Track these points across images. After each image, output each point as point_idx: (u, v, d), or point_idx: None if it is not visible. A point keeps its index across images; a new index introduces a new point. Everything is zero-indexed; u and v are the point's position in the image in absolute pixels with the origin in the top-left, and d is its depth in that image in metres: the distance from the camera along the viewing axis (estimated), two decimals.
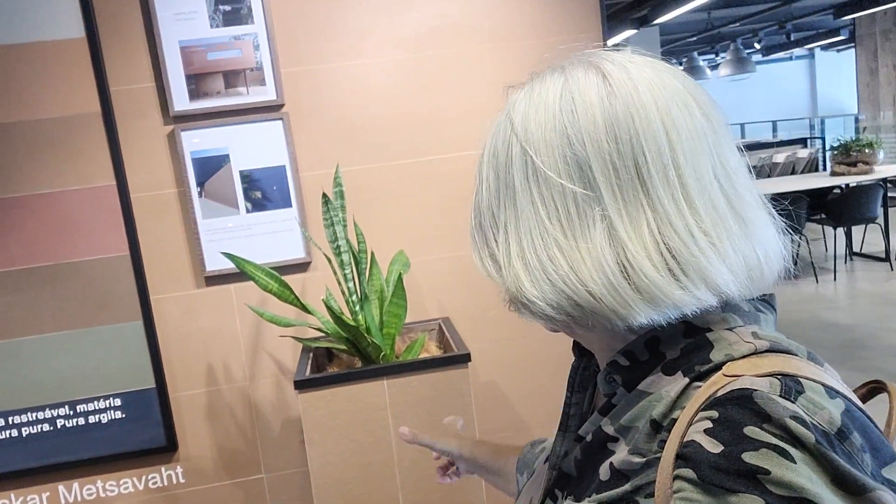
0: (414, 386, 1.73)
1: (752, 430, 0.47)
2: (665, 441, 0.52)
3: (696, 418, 0.50)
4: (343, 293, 1.87)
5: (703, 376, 0.54)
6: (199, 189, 2.16)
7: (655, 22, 6.77)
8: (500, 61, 2.20)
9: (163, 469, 2.26)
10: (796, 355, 0.55)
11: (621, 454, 0.56)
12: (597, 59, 0.60)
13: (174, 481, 2.26)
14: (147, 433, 2.21)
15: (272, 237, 2.20)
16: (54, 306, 2.13)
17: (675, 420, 0.53)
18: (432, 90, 2.20)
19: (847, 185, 6.39)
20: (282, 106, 2.17)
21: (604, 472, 0.57)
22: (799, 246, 6.29)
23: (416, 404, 1.73)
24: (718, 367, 0.54)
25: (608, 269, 0.54)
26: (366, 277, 1.89)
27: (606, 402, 0.61)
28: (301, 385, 1.71)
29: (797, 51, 14.49)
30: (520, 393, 2.35)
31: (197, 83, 2.12)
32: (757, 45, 11.68)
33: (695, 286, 0.54)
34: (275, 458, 2.30)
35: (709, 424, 0.49)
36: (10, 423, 2.15)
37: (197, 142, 2.15)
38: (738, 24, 9.34)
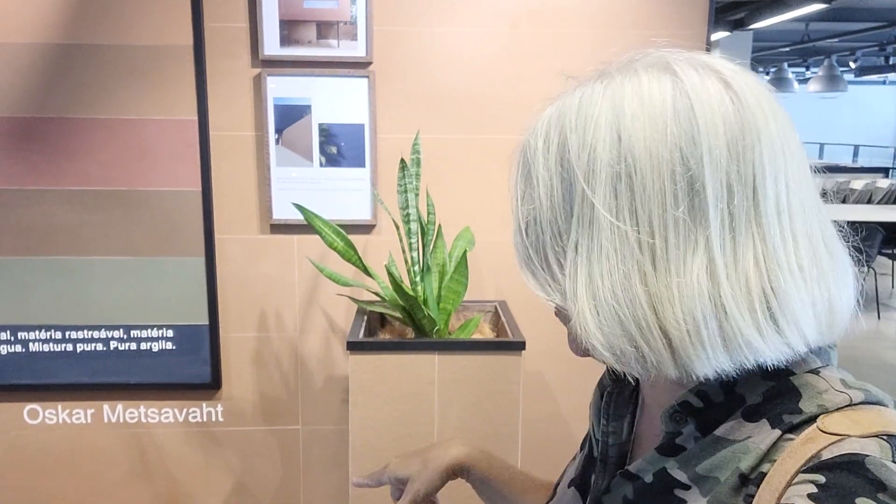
0: (464, 365, 1.70)
1: (864, 502, 0.42)
2: (752, 496, 0.48)
3: (796, 479, 0.46)
4: (406, 262, 1.85)
5: (795, 428, 0.49)
6: (276, 136, 2.16)
7: (751, 27, 6.53)
8: (596, 49, 2.13)
9: (204, 405, 2.29)
10: (887, 406, 0.50)
11: None
12: (703, 60, 0.52)
13: (213, 419, 2.30)
14: (193, 368, 2.25)
15: (341, 194, 2.19)
16: (123, 231, 2.17)
17: (763, 474, 0.48)
18: (522, 69, 2.15)
19: None
20: (369, 64, 2.14)
21: None
22: (864, 279, 6.06)
23: (464, 383, 1.71)
24: (812, 419, 0.49)
25: (701, 309, 0.47)
26: (430, 249, 1.87)
27: (668, 441, 0.55)
28: (353, 346, 1.70)
29: (892, 75, 13.87)
30: (564, 387, 2.31)
31: (289, 29, 2.11)
32: (852, 65, 11.20)
33: (791, 333, 0.48)
34: (313, 411, 2.32)
35: (813, 489, 0.44)
36: (67, 337, 2.20)
37: (281, 88, 2.14)
38: (836, 40, 8.96)
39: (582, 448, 0.74)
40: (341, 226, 2.11)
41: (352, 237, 2.18)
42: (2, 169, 2.11)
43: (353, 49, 2.13)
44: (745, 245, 0.48)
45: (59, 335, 2.20)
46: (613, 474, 0.60)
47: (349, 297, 2.10)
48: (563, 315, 0.57)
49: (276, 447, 2.34)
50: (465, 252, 1.82)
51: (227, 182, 2.18)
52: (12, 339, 2.19)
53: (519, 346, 1.71)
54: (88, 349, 2.22)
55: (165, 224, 2.17)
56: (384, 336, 1.94)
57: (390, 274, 1.73)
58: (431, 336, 1.81)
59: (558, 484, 0.77)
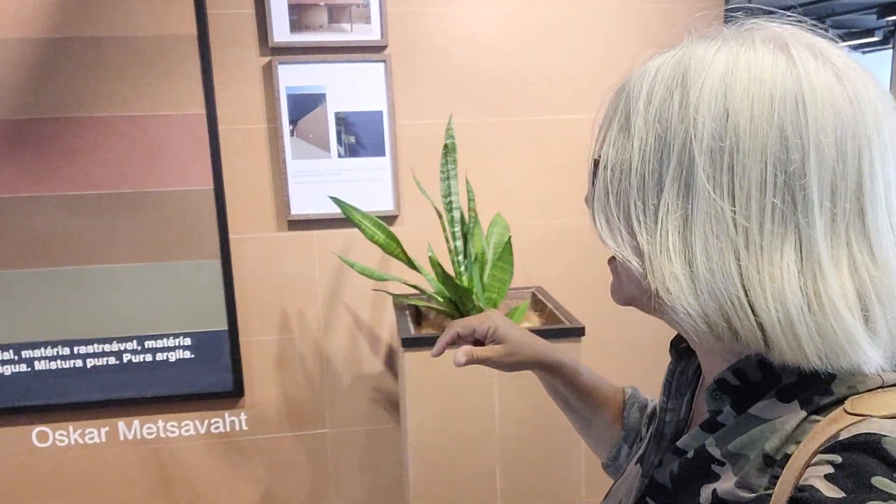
0: None
1: (880, 481, 0.41)
2: (776, 477, 0.48)
3: (814, 460, 0.46)
4: (450, 251, 1.77)
5: (822, 409, 0.49)
6: (291, 127, 2.05)
7: None
8: (619, 24, 2.08)
9: (226, 414, 2.18)
10: None
11: (727, 483, 0.51)
12: (821, 47, 0.50)
13: (237, 428, 2.19)
14: (214, 376, 2.13)
15: (362, 185, 2.10)
16: (131, 236, 2.03)
17: (788, 455, 0.48)
18: (544, 47, 2.08)
19: None
20: (385, 48, 2.04)
21: (705, 496, 0.53)
22: None
23: (525, 375, 1.64)
24: (840, 400, 0.48)
25: (792, 300, 0.46)
26: (471, 237, 1.79)
27: (711, 418, 0.55)
28: (408, 343, 1.62)
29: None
30: (621, 372, 2.27)
31: (299, 14, 2.00)
32: None
33: (881, 343, 0.48)
34: (341, 413, 2.23)
35: (830, 470, 0.44)
36: (76, 352, 2.06)
37: (293, 77, 2.03)
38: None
39: (650, 425, 0.74)
40: None
41: None
42: None
43: (367, 32, 2.03)
44: (845, 247, 0.47)
45: (66, 351, 2.06)
46: (667, 450, 0.61)
47: (389, 293, 2.01)
48: (618, 264, 0.57)
49: (304, 453, 2.24)
50: (509, 239, 1.76)
51: (239, 178, 2.06)
52: (16, 358, 2.04)
53: (578, 333, 1.66)
54: (100, 364, 2.08)
55: (176, 226, 2.04)
56: (426, 330, 1.86)
57: (438, 265, 1.65)
58: None
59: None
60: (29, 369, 2.05)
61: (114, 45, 1.94)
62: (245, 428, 2.19)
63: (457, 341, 0.90)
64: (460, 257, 1.77)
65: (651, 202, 0.51)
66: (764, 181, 0.46)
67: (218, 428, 2.18)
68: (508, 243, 1.74)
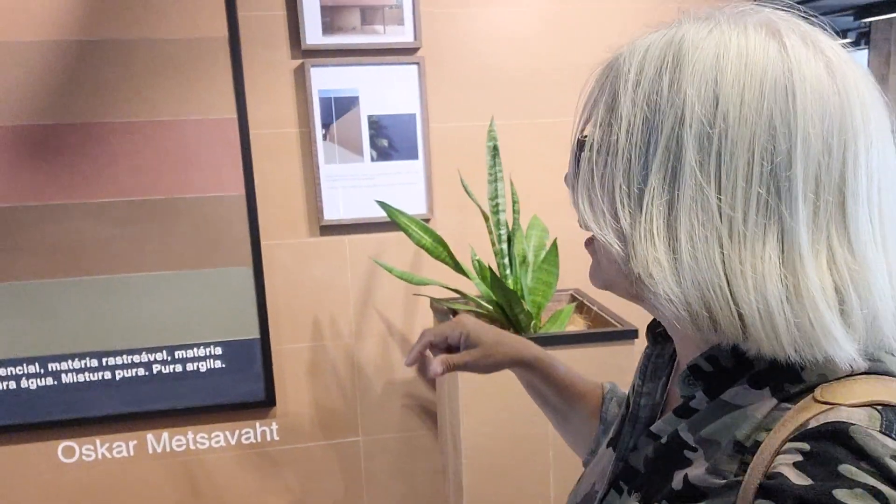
0: (577, 358, 1.62)
1: (846, 469, 0.42)
2: (747, 465, 0.48)
3: (783, 448, 0.46)
4: (495, 254, 1.75)
5: (793, 397, 0.49)
6: (323, 131, 2.02)
7: None
8: (656, 19, 2.07)
9: (257, 425, 2.14)
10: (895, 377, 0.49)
11: (698, 469, 0.51)
12: (813, 37, 0.50)
13: (268, 438, 2.14)
14: (246, 386, 2.09)
15: (394, 189, 2.07)
16: (160, 243, 1.98)
17: (758, 442, 0.48)
18: (580, 46, 2.07)
19: None
20: (417, 49, 2.02)
21: (677, 481, 0.53)
22: None
23: None
24: (811, 388, 0.49)
25: (772, 291, 0.46)
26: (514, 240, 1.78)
27: (684, 404, 0.56)
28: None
29: None
30: None
31: (332, 16, 1.97)
32: None
33: (866, 337, 0.48)
34: (373, 421, 2.20)
35: (799, 458, 0.44)
36: (104, 364, 2.01)
37: (326, 80, 1.99)
38: None
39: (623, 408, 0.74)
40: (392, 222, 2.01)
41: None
42: (22, 183, 1.90)
43: (401, 34, 2.01)
44: (825, 240, 0.47)
45: (94, 363, 2.00)
46: (641, 434, 0.61)
47: (431, 298, 1.97)
48: (597, 247, 0.57)
49: (336, 462, 2.20)
50: (554, 241, 1.74)
51: (271, 183, 2.03)
52: (41, 371, 1.98)
53: (631, 335, 1.64)
54: (129, 375, 2.02)
55: (207, 233, 2.00)
56: None
57: (488, 269, 1.63)
58: (529, 331, 1.72)
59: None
60: (55, 382, 1.99)
61: (144, 48, 1.89)
62: (276, 438, 2.15)
63: (431, 350, 0.89)
64: (506, 260, 1.75)
65: (636, 186, 0.50)
66: (751, 170, 0.46)
67: (249, 438, 2.13)
68: (554, 245, 1.72)
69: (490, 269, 1.63)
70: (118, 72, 1.89)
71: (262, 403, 2.10)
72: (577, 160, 0.56)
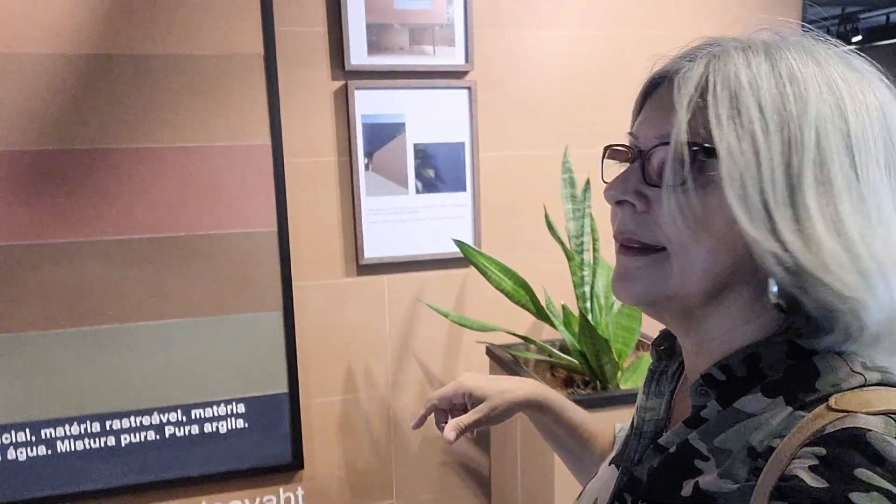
0: None
1: (863, 473, 0.42)
2: (760, 470, 0.48)
3: (799, 452, 0.46)
4: (578, 298, 1.59)
5: (807, 406, 0.50)
6: (366, 160, 1.81)
7: None
8: None
9: (281, 490, 1.88)
10: None
11: (710, 476, 0.52)
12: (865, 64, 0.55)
13: None
14: (271, 447, 1.83)
15: (440, 223, 1.88)
16: (179, 287, 1.72)
17: (772, 448, 0.49)
18: (638, 71, 1.95)
19: None
20: (468, 73, 1.86)
21: (687, 489, 0.53)
22: None
23: None
24: (824, 398, 0.49)
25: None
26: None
27: (695, 414, 0.56)
28: None
29: None
30: None
31: (379, 34, 1.78)
32: None
33: None
34: (409, 482, 1.98)
35: (815, 461, 0.45)
36: (107, 428, 1.72)
37: (370, 104, 1.80)
38: None
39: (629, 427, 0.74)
40: (440, 259, 1.83)
41: (452, 271, 1.90)
42: (17, 218, 1.60)
43: (451, 56, 1.84)
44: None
45: (96, 427, 1.71)
46: (647, 447, 0.62)
47: (493, 346, 1.78)
48: (672, 254, 0.55)
49: None
50: None
51: (306, 218, 1.81)
52: (33, 439, 1.67)
53: None
54: (136, 440, 1.74)
55: (233, 274, 1.76)
56: (570, 391, 1.66)
57: (582, 315, 1.47)
58: (613, 384, 1.57)
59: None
60: (48, 452, 1.68)
61: (166, 63, 1.65)
62: None
63: (436, 414, 0.89)
64: (588, 304, 1.59)
65: (784, 190, 0.50)
66: (879, 166, 0.50)
67: None
68: None
69: (583, 314, 1.47)
70: (136, 90, 1.64)
71: (289, 466, 1.86)
72: (700, 165, 0.52)
